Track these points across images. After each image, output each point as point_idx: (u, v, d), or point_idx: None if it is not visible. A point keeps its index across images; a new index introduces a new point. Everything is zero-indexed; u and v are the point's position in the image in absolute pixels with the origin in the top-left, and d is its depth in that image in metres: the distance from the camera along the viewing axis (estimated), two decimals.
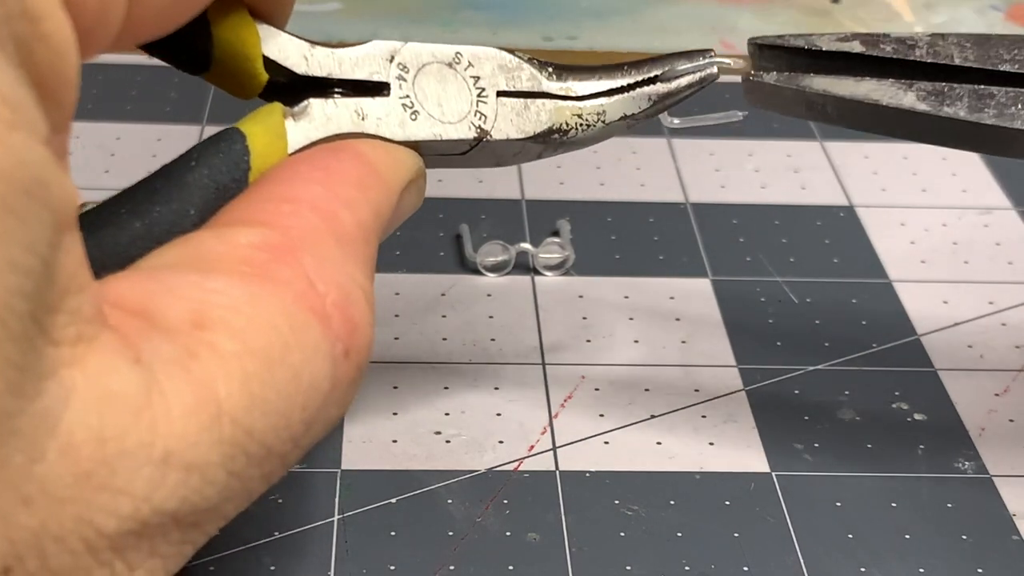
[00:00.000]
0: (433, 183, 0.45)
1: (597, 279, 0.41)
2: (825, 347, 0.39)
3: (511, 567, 0.31)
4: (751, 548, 0.32)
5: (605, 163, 0.47)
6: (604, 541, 0.32)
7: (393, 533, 0.32)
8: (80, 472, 0.20)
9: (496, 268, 0.41)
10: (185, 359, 0.21)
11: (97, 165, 0.44)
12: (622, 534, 0.32)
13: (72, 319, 0.20)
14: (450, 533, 0.32)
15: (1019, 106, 0.30)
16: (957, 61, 0.31)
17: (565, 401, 0.36)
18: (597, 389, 0.37)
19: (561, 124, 0.31)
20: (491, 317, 0.39)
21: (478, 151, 0.31)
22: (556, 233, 0.42)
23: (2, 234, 0.18)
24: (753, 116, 0.50)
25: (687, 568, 0.32)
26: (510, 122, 0.31)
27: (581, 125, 0.32)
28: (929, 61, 0.31)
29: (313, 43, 0.30)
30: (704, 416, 0.36)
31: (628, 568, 0.32)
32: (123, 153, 0.45)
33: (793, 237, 0.43)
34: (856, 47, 0.31)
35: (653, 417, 0.36)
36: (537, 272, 0.41)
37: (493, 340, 0.38)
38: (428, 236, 0.42)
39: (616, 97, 0.32)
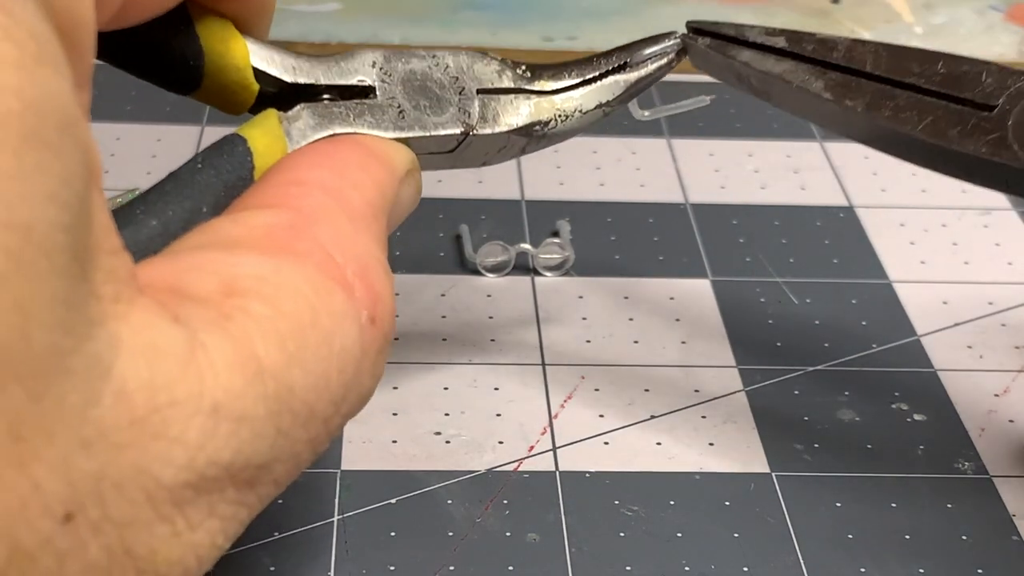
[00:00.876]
0: (433, 183, 0.45)
1: (597, 279, 0.41)
2: (825, 347, 0.39)
3: (511, 567, 0.31)
4: (751, 548, 0.32)
5: (605, 163, 0.47)
6: (604, 541, 0.32)
7: (393, 533, 0.32)
8: (135, 418, 0.20)
9: (496, 268, 0.41)
10: (221, 320, 0.22)
11: None
12: (622, 534, 0.33)
13: (109, 277, 0.20)
14: (450, 533, 0.32)
15: (914, 112, 0.32)
16: (868, 68, 0.32)
17: (565, 401, 0.36)
18: (597, 389, 0.37)
19: (542, 117, 0.32)
20: (491, 317, 0.39)
21: (465, 147, 0.32)
22: (556, 233, 0.42)
23: (40, 165, 0.18)
24: (753, 116, 0.51)
25: (687, 568, 0.32)
26: (493, 118, 0.32)
27: (560, 116, 0.33)
28: (843, 64, 0.32)
29: (297, 54, 0.31)
30: (704, 416, 0.36)
31: (628, 568, 0.32)
32: (123, 153, 0.45)
33: (793, 237, 0.44)
34: (780, 42, 0.33)
35: (653, 417, 0.36)
36: (537, 272, 0.41)
37: (493, 340, 0.38)
38: (428, 236, 0.42)
39: (590, 87, 0.33)
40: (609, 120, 0.50)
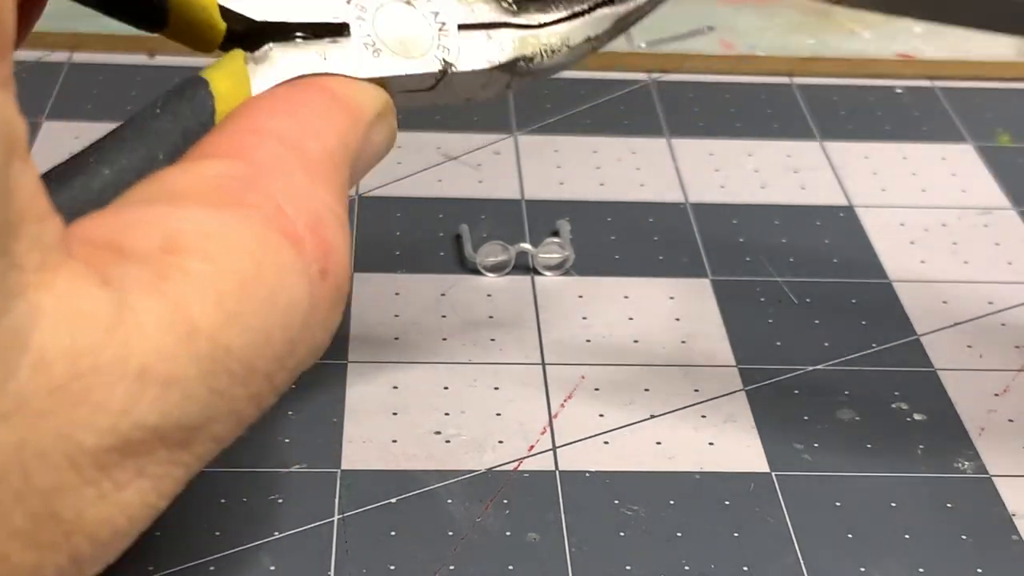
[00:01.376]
0: (433, 183, 0.45)
1: (597, 279, 0.41)
2: (825, 347, 0.39)
3: (511, 567, 0.31)
4: (751, 548, 0.32)
5: (605, 163, 0.47)
6: (604, 541, 0.32)
7: (393, 533, 0.32)
8: (55, 387, 0.20)
9: (496, 268, 0.41)
10: (155, 281, 0.22)
11: None
12: (622, 534, 0.32)
13: (34, 245, 0.20)
14: (450, 533, 0.32)
15: None
16: None
17: (565, 401, 0.36)
18: (597, 389, 0.37)
19: (526, 52, 0.31)
20: (491, 317, 0.39)
21: (445, 85, 0.31)
22: (556, 233, 0.42)
23: None
24: (753, 116, 0.51)
25: (687, 568, 0.32)
26: (474, 53, 0.31)
27: (546, 51, 0.32)
28: None
29: None
30: (704, 416, 0.36)
31: (628, 568, 0.32)
32: None
33: (793, 237, 0.43)
34: None
35: (653, 417, 0.36)
36: (537, 272, 0.41)
37: (493, 340, 0.38)
38: (428, 236, 0.42)
39: (578, 20, 0.32)
40: (610, 120, 0.50)
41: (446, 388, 0.37)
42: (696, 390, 0.37)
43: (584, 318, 0.40)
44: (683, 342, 0.39)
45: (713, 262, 0.42)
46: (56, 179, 0.25)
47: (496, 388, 0.37)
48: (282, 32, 0.29)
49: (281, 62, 0.29)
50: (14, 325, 0.19)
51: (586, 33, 0.32)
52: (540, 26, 0.32)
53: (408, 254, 0.41)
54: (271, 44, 0.29)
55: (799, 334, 0.39)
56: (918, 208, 0.45)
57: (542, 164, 0.47)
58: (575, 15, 0.32)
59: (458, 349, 0.38)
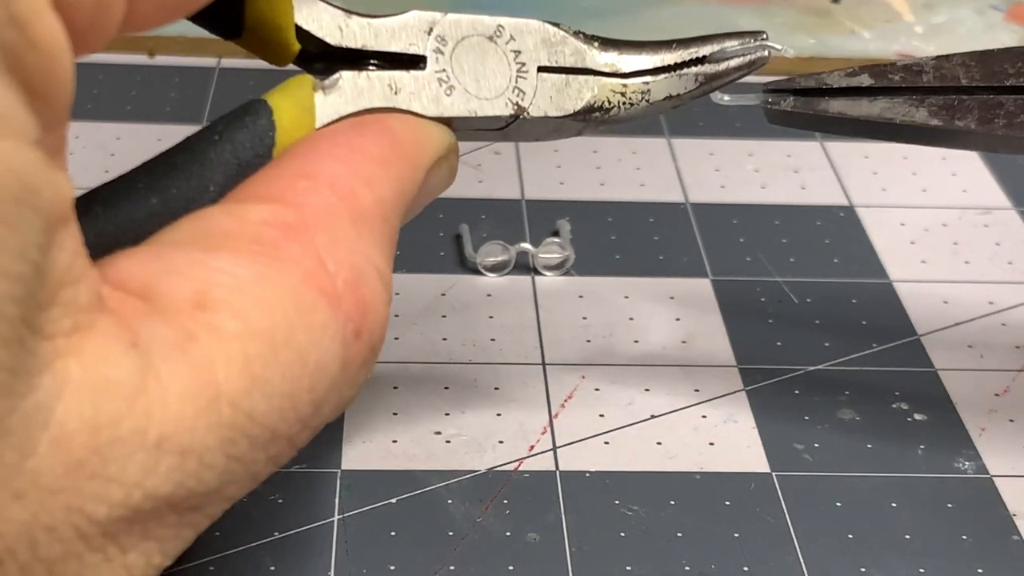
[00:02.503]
0: None
1: (597, 279, 0.41)
2: (825, 347, 0.39)
3: (511, 567, 0.31)
4: (751, 548, 0.32)
5: (605, 163, 0.47)
6: (604, 541, 0.32)
7: (393, 533, 0.32)
8: (72, 462, 0.20)
9: (496, 268, 0.41)
10: (184, 342, 0.21)
11: (97, 165, 0.44)
12: (622, 534, 0.32)
13: (67, 311, 0.20)
14: (450, 533, 0.32)
15: None
16: (964, 82, 0.31)
17: (565, 401, 0.36)
18: (597, 389, 0.37)
19: (603, 102, 0.31)
20: (491, 317, 0.39)
21: (515, 128, 0.30)
22: (556, 233, 0.42)
23: None
24: (753, 116, 0.50)
25: (687, 568, 0.32)
26: (549, 99, 0.30)
27: (624, 103, 0.31)
28: (937, 85, 0.31)
29: (349, 12, 0.29)
30: (704, 416, 0.36)
31: (628, 568, 0.32)
32: (123, 153, 0.45)
33: (793, 237, 0.43)
34: (865, 80, 0.32)
35: (653, 417, 0.36)
36: (537, 272, 0.41)
37: (493, 340, 0.38)
38: (428, 236, 0.42)
39: (662, 76, 0.31)
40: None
41: (446, 388, 0.37)
42: (696, 390, 0.37)
43: (584, 318, 0.40)
44: (683, 342, 0.39)
45: (713, 262, 0.42)
46: (103, 203, 0.25)
47: (496, 388, 0.37)
48: (356, 59, 0.29)
49: (350, 92, 0.28)
50: (37, 403, 0.19)
51: (669, 90, 0.31)
52: (623, 75, 0.31)
53: (408, 254, 0.41)
54: (342, 72, 0.28)
55: (799, 334, 0.39)
56: (918, 208, 0.45)
57: (542, 164, 0.46)
58: (660, 69, 0.31)
59: (458, 349, 0.38)
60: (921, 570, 0.32)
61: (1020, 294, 0.41)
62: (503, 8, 0.55)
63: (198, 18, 0.28)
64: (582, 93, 0.31)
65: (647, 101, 0.31)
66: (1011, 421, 0.37)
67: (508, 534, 0.32)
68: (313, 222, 0.24)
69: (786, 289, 0.41)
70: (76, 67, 0.21)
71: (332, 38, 0.29)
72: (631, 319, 0.40)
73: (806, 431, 0.36)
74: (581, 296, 0.40)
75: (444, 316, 0.39)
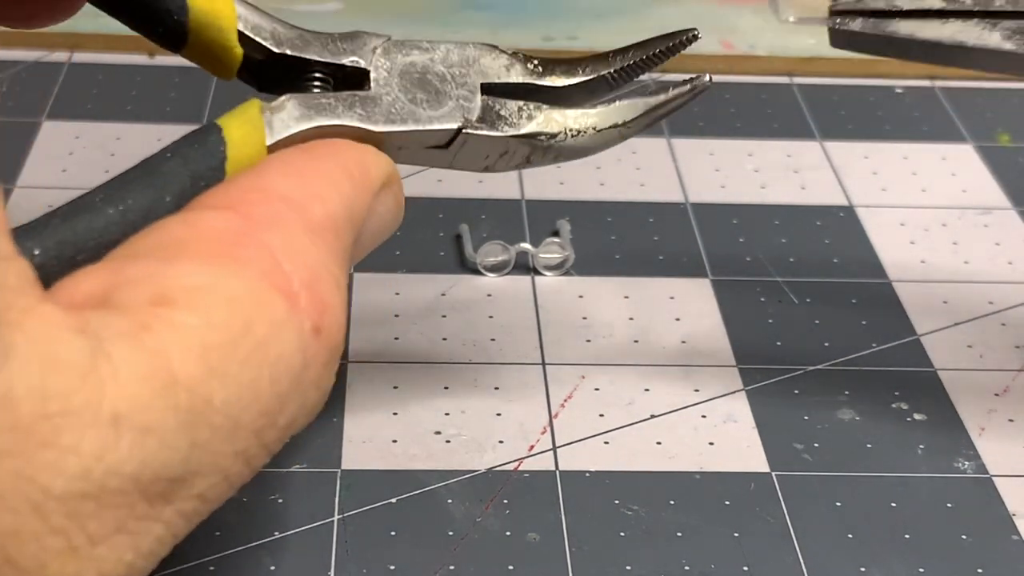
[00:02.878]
0: (433, 183, 0.45)
1: (597, 279, 0.41)
2: (825, 347, 0.39)
3: (511, 567, 0.31)
4: (751, 548, 0.32)
5: (605, 163, 0.47)
6: (604, 541, 0.32)
7: (393, 533, 0.32)
8: (18, 426, 0.19)
9: (496, 268, 0.41)
10: (137, 331, 0.21)
11: (97, 165, 0.44)
12: (622, 534, 0.32)
13: None
14: (450, 533, 0.32)
15: None
16: None
17: (565, 401, 0.36)
18: (597, 389, 0.37)
19: (549, 129, 0.31)
20: (491, 317, 0.39)
21: (460, 145, 0.30)
22: (556, 233, 0.42)
23: None
24: (753, 116, 0.51)
25: (687, 568, 0.32)
26: (492, 119, 0.31)
27: (570, 131, 0.31)
28: (1010, 9, 0.31)
29: (292, 27, 0.30)
30: (704, 416, 0.36)
31: (628, 568, 0.32)
32: (123, 153, 0.45)
33: (793, 237, 0.43)
34: (936, 3, 0.31)
35: (653, 417, 0.36)
36: (537, 272, 0.41)
37: (493, 340, 0.38)
38: (428, 236, 0.42)
39: (608, 107, 0.32)
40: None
41: (446, 388, 0.37)
42: (696, 390, 0.37)
43: (584, 318, 0.40)
44: (683, 342, 0.39)
45: (713, 262, 0.42)
46: (62, 216, 0.25)
47: (496, 388, 0.37)
48: (300, 69, 0.29)
49: (297, 112, 0.29)
50: None
51: (615, 119, 0.32)
52: (567, 105, 0.31)
53: (408, 254, 0.41)
54: (288, 95, 0.29)
55: (799, 334, 0.39)
56: (918, 208, 0.45)
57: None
58: (602, 86, 0.32)
59: (458, 349, 0.38)
60: (921, 570, 0.32)
61: (1020, 294, 0.41)
62: (503, 8, 0.55)
63: (143, 27, 0.29)
64: (524, 114, 0.31)
65: (594, 129, 0.31)
66: (1011, 421, 0.37)
67: (508, 534, 0.32)
68: (266, 227, 0.25)
69: (786, 289, 0.41)
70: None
71: (275, 46, 0.29)
72: (631, 319, 0.40)
73: (806, 431, 0.36)
74: (581, 296, 0.40)
75: (444, 316, 0.39)
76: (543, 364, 0.38)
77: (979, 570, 0.32)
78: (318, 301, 0.24)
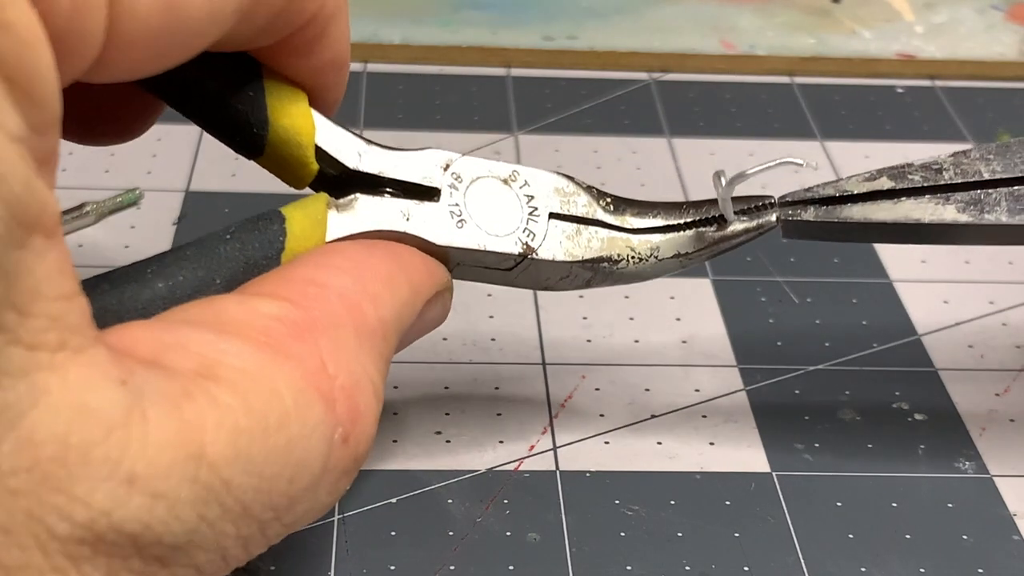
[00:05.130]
0: None
1: None
2: (825, 347, 0.39)
3: (511, 567, 0.31)
4: (751, 548, 0.32)
5: (605, 163, 0.47)
6: (604, 541, 0.32)
7: (393, 533, 0.32)
8: (35, 468, 0.20)
9: None
10: (179, 397, 0.22)
11: (97, 165, 0.44)
12: (622, 534, 0.32)
13: (52, 325, 0.20)
14: (450, 533, 0.32)
15: None
16: (986, 175, 0.31)
17: (565, 401, 0.36)
18: (597, 389, 0.37)
19: (613, 253, 0.31)
20: (491, 317, 0.39)
21: (523, 268, 0.31)
22: None
23: None
24: (753, 116, 0.51)
25: (687, 568, 0.32)
26: (559, 244, 0.31)
27: (633, 257, 0.31)
28: (959, 181, 0.31)
29: (369, 142, 0.30)
30: (704, 416, 0.36)
31: (628, 568, 0.32)
32: (123, 153, 0.45)
33: None
34: (885, 183, 0.32)
35: (653, 417, 0.36)
36: None
37: (493, 340, 0.38)
38: None
39: (672, 235, 0.32)
40: (610, 119, 0.50)
41: (446, 388, 0.37)
42: (696, 390, 0.37)
43: (584, 318, 0.40)
44: (683, 342, 0.39)
45: (713, 261, 0.42)
46: (110, 282, 0.25)
47: (496, 388, 0.37)
48: (373, 184, 0.30)
49: (363, 213, 0.29)
50: (7, 401, 0.19)
51: (677, 249, 0.32)
52: (633, 231, 0.31)
53: None
54: (358, 194, 0.29)
55: (799, 334, 0.39)
56: None
57: (543, 164, 0.46)
58: (671, 228, 0.32)
59: (458, 349, 0.38)
60: (921, 570, 0.32)
61: (1020, 294, 0.41)
62: (504, 8, 0.55)
63: (220, 134, 0.30)
64: (592, 243, 0.31)
65: (655, 257, 0.32)
66: (1011, 421, 0.37)
67: (508, 534, 0.32)
68: (320, 326, 0.25)
69: (787, 288, 0.41)
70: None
71: (350, 162, 0.29)
72: (631, 319, 0.40)
73: (806, 431, 0.36)
74: (581, 296, 0.40)
75: None
76: (543, 364, 0.38)
77: (979, 570, 0.32)
78: (354, 410, 0.25)
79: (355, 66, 0.51)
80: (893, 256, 0.43)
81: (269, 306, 0.25)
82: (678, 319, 0.40)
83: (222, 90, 0.29)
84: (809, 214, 0.32)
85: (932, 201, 0.31)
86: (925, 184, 0.32)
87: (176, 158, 0.45)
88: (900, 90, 0.52)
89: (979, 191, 0.31)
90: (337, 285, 0.26)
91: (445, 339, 0.38)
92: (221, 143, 0.30)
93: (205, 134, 0.46)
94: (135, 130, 0.33)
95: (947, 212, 0.31)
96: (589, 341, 0.39)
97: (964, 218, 0.31)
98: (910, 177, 0.32)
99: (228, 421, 0.22)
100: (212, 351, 0.23)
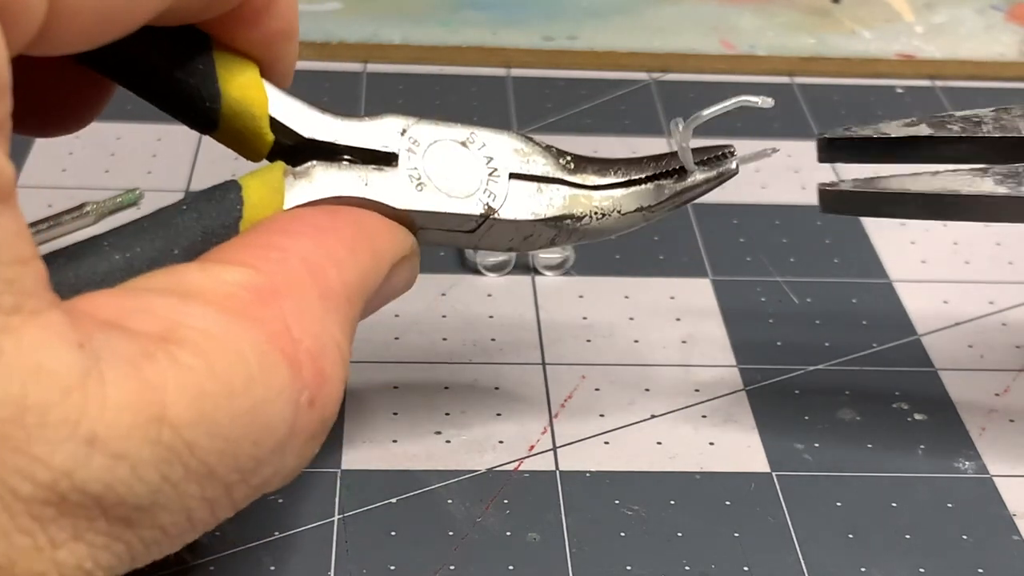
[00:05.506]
0: None
1: (597, 279, 0.41)
2: (825, 347, 0.39)
3: (511, 567, 0.31)
4: (751, 548, 0.32)
5: None
6: (604, 541, 0.32)
7: (393, 533, 0.32)
8: None
9: (496, 268, 0.41)
10: (139, 359, 0.22)
11: (97, 165, 0.44)
12: (622, 534, 0.32)
13: (8, 288, 0.20)
14: (450, 533, 0.32)
15: None
16: None
17: (565, 401, 0.36)
18: (597, 389, 0.37)
19: (575, 211, 0.31)
20: (491, 317, 0.39)
21: (486, 229, 0.31)
22: None
23: None
24: (753, 116, 0.50)
25: (687, 568, 0.32)
26: (521, 203, 0.31)
27: (596, 213, 0.31)
28: (997, 136, 0.31)
29: (324, 110, 0.30)
30: (704, 416, 0.36)
31: (628, 568, 0.32)
32: (123, 153, 0.45)
33: (793, 237, 0.43)
34: (924, 130, 0.32)
35: (653, 417, 0.36)
36: (537, 272, 0.41)
37: (493, 340, 0.38)
38: None
39: (632, 188, 0.32)
40: (610, 120, 0.50)
41: (446, 388, 0.37)
42: (696, 390, 0.37)
43: (584, 318, 0.39)
44: (683, 342, 0.39)
45: (713, 262, 0.42)
46: (67, 256, 0.25)
47: (496, 388, 0.37)
48: (329, 153, 0.29)
49: (321, 180, 0.29)
50: None
51: (639, 202, 0.32)
52: (594, 188, 0.31)
53: None
54: (315, 162, 0.29)
55: (799, 334, 0.39)
56: None
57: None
58: (631, 182, 0.32)
59: (458, 349, 0.38)
60: (921, 570, 0.32)
61: (1020, 294, 0.41)
62: (503, 8, 0.55)
63: (174, 110, 0.30)
64: (553, 201, 0.31)
65: (619, 212, 0.31)
66: (1011, 421, 0.37)
67: (508, 534, 0.32)
68: (282, 289, 0.25)
69: (786, 289, 0.41)
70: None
71: (305, 131, 0.29)
72: (631, 319, 0.40)
73: (806, 431, 0.36)
74: (581, 296, 0.40)
75: (444, 316, 0.39)
76: (543, 364, 0.38)
77: (979, 570, 0.32)
78: (319, 373, 0.24)
79: (355, 66, 0.51)
80: (893, 256, 0.43)
81: (231, 272, 0.25)
82: (678, 319, 0.40)
83: (172, 66, 0.28)
84: (847, 185, 0.32)
85: (970, 173, 0.31)
86: (963, 135, 0.31)
87: (176, 158, 0.45)
88: (900, 90, 0.52)
89: (1018, 164, 0.31)
90: (299, 249, 0.26)
91: (445, 339, 0.38)
92: (216, 142, 0.30)
93: (204, 138, 0.46)
94: (84, 118, 0.32)
95: (985, 184, 0.31)
96: (589, 341, 0.39)
97: (1002, 190, 0.30)
98: (949, 127, 0.31)
99: (191, 383, 0.22)
100: (175, 314, 0.23)
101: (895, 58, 0.53)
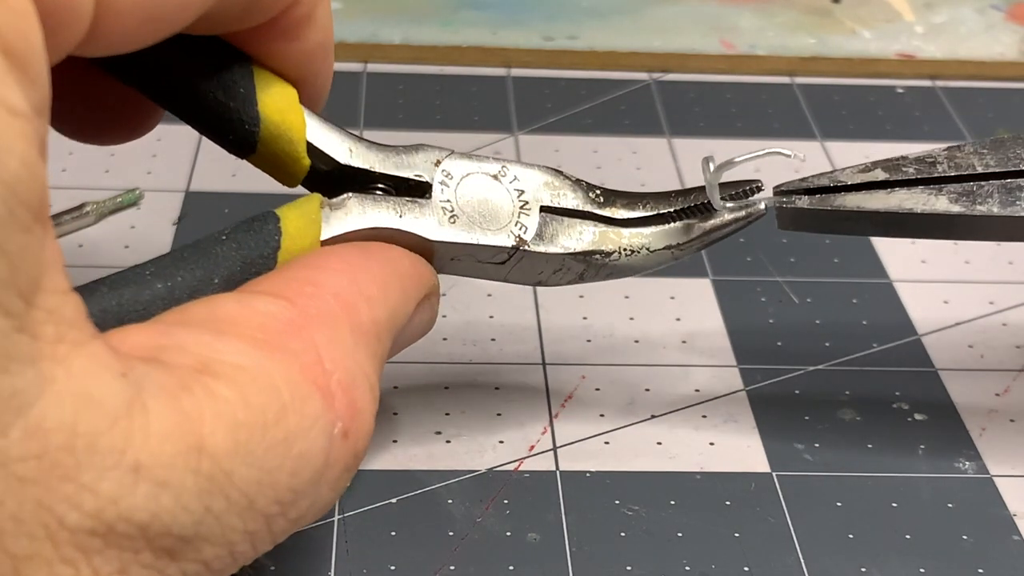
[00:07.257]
0: None
1: None
2: (825, 347, 0.39)
3: (511, 567, 0.31)
4: (751, 548, 0.32)
5: (606, 163, 0.47)
6: (604, 541, 0.32)
7: (393, 533, 0.32)
8: (44, 456, 0.20)
9: None
10: (177, 390, 0.22)
11: (97, 165, 0.44)
12: (622, 534, 0.32)
13: (50, 317, 0.20)
14: (450, 533, 0.32)
15: None
16: (979, 169, 0.31)
17: (565, 401, 0.36)
18: (597, 389, 0.37)
19: (605, 247, 0.31)
20: (491, 317, 0.39)
21: (516, 261, 0.31)
22: None
23: None
24: (753, 116, 0.51)
25: (687, 568, 0.32)
26: (551, 236, 0.31)
27: (625, 250, 0.32)
28: (952, 174, 0.31)
29: (359, 139, 0.30)
30: (704, 416, 0.36)
31: (628, 568, 0.32)
32: (123, 153, 0.45)
33: (793, 237, 0.43)
34: (879, 175, 0.32)
35: (653, 417, 0.36)
36: None
37: (493, 340, 0.38)
38: None
39: (662, 227, 0.32)
40: (610, 120, 0.50)
41: (446, 388, 0.37)
42: (696, 390, 0.37)
43: (584, 318, 0.40)
44: (683, 342, 0.39)
45: (713, 262, 0.42)
46: (109, 285, 0.26)
47: (496, 388, 0.37)
48: (364, 180, 0.30)
49: (357, 212, 0.29)
50: (16, 387, 0.19)
51: (668, 241, 0.32)
52: (623, 223, 0.32)
53: None
54: (350, 194, 0.29)
55: (799, 334, 0.39)
56: None
57: (543, 164, 0.46)
58: (661, 217, 0.32)
59: (458, 349, 0.38)
60: (921, 570, 0.32)
61: (1020, 294, 0.41)
62: (504, 8, 0.55)
63: (212, 134, 0.30)
64: (583, 235, 0.31)
65: (647, 250, 0.32)
66: (1011, 421, 0.37)
67: (508, 534, 0.32)
68: (315, 323, 0.25)
69: (787, 289, 0.41)
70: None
71: (342, 157, 0.30)
72: (631, 319, 0.40)
73: (806, 431, 0.36)
74: (581, 296, 0.40)
75: (444, 316, 0.39)
76: (543, 364, 0.38)
77: (979, 570, 0.32)
78: (352, 405, 0.25)
79: (355, 66, 0.51)
80: (893, 256, 0.43)
81: (266, 304, 0.25)
82: (678, 319, 0.40)
83: (213, 87, 0.29)
84: (803, 202, 0.32)
85: (925, 192, 0.31)
86: (919, 176, 0.32)
87: (176, 158, 0.45)
88: (900, 90, 0.52)
89: (972, 183, 0.32)
90: (333, 285, 0.26)
91: (445, 339, 0.38)
92: (215, 143, 0.30)
93: (204, 138, 0.46)
94: (138, 129, 0.33)
95: (939, 203, 0.31)
96: (589, 341, 0.39)
97: (956, 208, 0.31)
98: (904, 169, 0.32)
99: (226, 414, 0.22)
100: (208, 351, 0.23)
101: (895, 58, 0.53)
